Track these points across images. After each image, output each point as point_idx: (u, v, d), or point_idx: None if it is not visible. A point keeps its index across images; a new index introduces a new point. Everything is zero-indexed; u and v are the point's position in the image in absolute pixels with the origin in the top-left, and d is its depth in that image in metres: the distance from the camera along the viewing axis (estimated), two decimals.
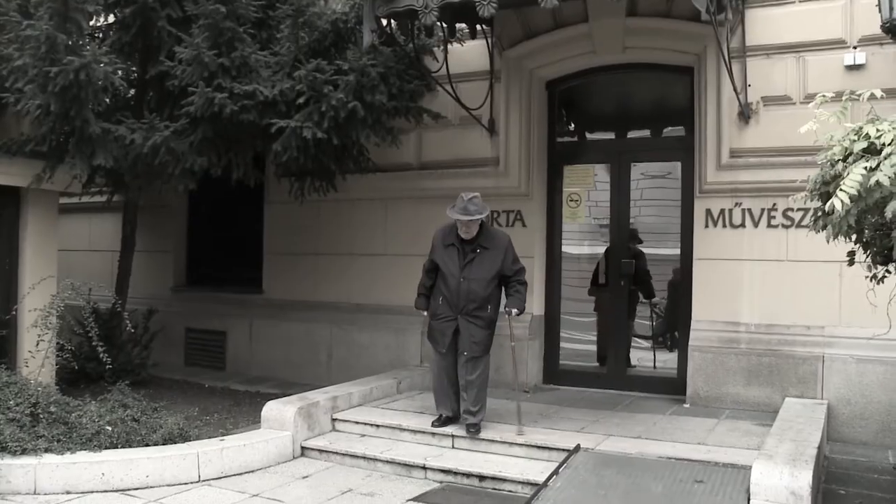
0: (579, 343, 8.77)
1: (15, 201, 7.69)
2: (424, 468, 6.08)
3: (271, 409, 6.74)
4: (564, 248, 8.65)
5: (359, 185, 8.81)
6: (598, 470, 5.54)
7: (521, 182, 8.40)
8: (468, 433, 6.35)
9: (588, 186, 8.59)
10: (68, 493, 5.59)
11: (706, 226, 7.49)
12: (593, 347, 8.67)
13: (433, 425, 6.59)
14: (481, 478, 5.81)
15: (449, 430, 6.50)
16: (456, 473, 5.92)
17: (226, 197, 9.93)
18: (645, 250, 8.34)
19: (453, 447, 6.36)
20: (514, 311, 6.40)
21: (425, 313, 6.72)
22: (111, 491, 5.65)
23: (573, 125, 9.08)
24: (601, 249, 8.56)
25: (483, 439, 6.31)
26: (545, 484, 5.33)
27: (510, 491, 5.67)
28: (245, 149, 7.61)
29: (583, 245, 8.84)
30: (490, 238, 6.46)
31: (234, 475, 6.06)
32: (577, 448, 5.90)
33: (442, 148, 8.84)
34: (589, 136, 9.03)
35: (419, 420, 6.83)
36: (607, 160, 8.48)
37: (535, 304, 8.37)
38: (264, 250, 10.08)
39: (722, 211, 7.41)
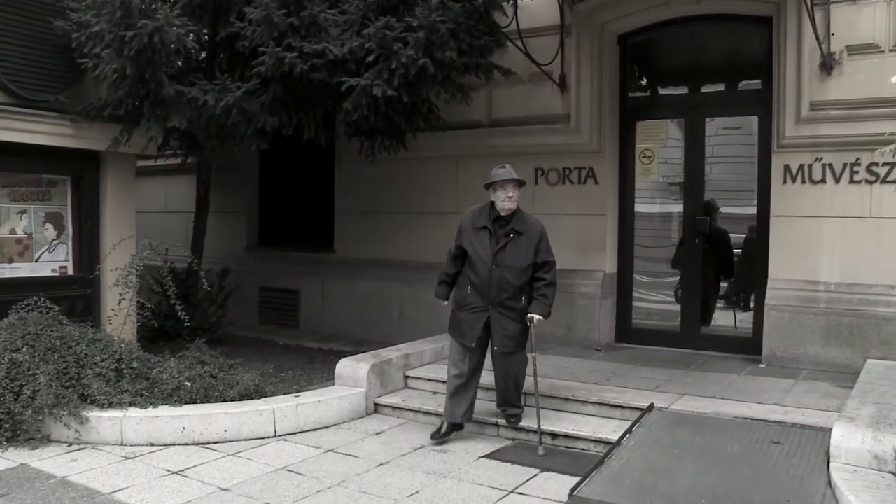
0: (652, 302, 8.65)
1: (95, 165, 7.91)
2: (496, 425, 6.11)
3: (345, 366, 6.84)
4: (637, 207, 8.51)
5: (429, 144, 8.78)
6: (671, 429, 5.48)
7: (593, 138, 8.26)
8: (508, 423, 6.05)
9: (661, 143, 8.41)
10: (152, 444, 5.80)
11: (784, 182, 7.27)
12: (666, 306, 8.54)
13: (432, 439, 5.96)
14: (553, 436, 5.81)
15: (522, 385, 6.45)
16: (528, 431, 5.93)
17: (296, 157, 10.03)
18: (720, 208, 8.16)
19: (526, 404, 6.37)
20: (537, 317, 5.70)
21: (445, 303, 6.17)
22: (191, 444, 5.83)
23: (645, 80, 8.85)
24: (674, 207, 8.39)
25: (556, 397, 6.29)
26: (618, 443, 5.29)
27: (583, 449, 5.67)
28: (315, 108, 7.64)
29: (654, 203, 8.69)
30: (525, 222, 5.82)
31: (309, 430, 6.19)
32: (651, 407, 5.84)
33: (512, 104, 8.74)
34: (661, 91, 8.81)
35: (491, 377, 6.83)
36: (680, 115, 8.28)
37: (608, 262, 8.32)
38: (335, 210, 10.16)
39: (801, 166, 7.17)
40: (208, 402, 6.17)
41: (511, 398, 6.04)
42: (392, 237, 9.59)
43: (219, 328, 8.99)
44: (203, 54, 8.01)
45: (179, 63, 7.25)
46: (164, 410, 5.94)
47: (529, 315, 5.68)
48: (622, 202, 8.47)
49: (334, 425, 6.37)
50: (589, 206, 8.31)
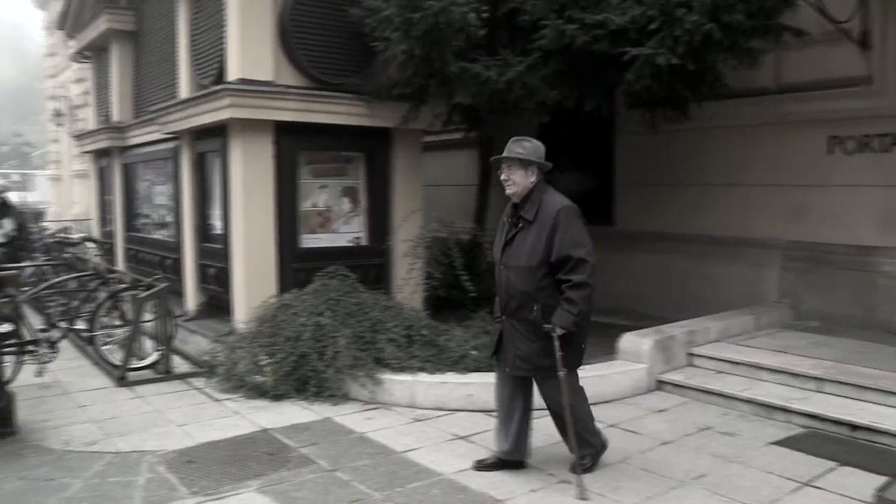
0: None
1: (385, 142, 8.37)
2: (787, 411, 5.76)
3: (628, 340, 6.75)
4: None
5: (712, 113, 8.35)
6: None
7: None
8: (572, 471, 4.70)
9: None
10: (439, 409, 6.08)
11: None
12: None
13: (474, 466, 4.95)
14: (853, 427, 5.37)
15: (815, 370, 5.99)
16: (822, 419, 5.53)
17: (574, 129, 9.97)
18: None
19: (819, 390, 5.92)
20: (558, 329, 4.38)
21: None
22: (476, 411, 6.04)
23: None
24: None
25: (852, 384, 5.79)
26: None
27: (887, 445, 5.17)
28: (596, 80, 7.53)
29: None
30: (536, 207, 4.55)
31: (591, 404, 6.14)
32: None
33: (803, 68, 8.12)
34: None
35: (780, 359, 6.45)
36: None
37: None
38: (615, 182, 10.01)
39: None
40: (492, 371, 6.31)
41: (568, 441, 4.73)
42: (673, 210, 9.29)
43: None
44: (483, 31, 8.16)
45: (461, 41, 7.45)
46: (452, 377, 6.20)
47: (547, 326, 4.43)
48: None
49: (615, 400, 6.33)
50: (894, 177, 7.51)
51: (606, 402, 6.25)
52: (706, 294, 8.64)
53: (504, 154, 4.62)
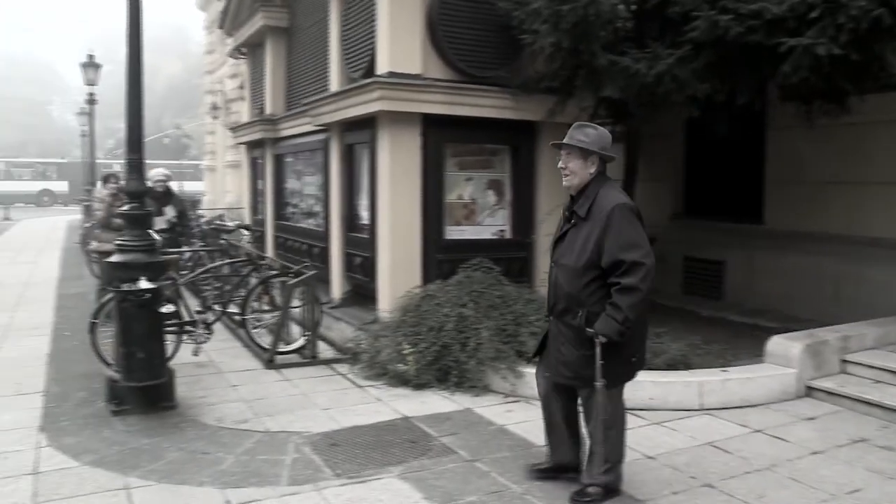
0: None
1: (530, 135, 8.37)
2: None
3: (776, 343, 6.51)
4: None
5: (874, 106, 7.88)
6: None
7: None
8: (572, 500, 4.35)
9: None
10: None
11: None
12: None
13: (531, 471, 4.72)
14: None
15: None
16: None
17: (723, 123, 9.66)
18: None
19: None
20: (601, 337, 4.00)
21: None
22: None
23: None
24: None
25: None
26: None
27: None
28: (749, 72, 7.27)
29: None
30: (589, 203, 4.14)
31: (735, 408, 6.01)
32: None
33: None
34: None
35: None
36: None
37: None
38: (765, 179, 9.64)
39: None
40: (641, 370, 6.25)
41: (589, 456, 4.41)
42: (828, 209, 8.84)
43: None
44: (631, 24, 8.03)
45: (610, 34, 7.35)
46: None
47: (589, 330, 4.05)
48: None
49: (761, 405, 6.12)
50: None
51: (751, 406, 6.06)
52: (863, 298, 8.20)
53: (565, 140, 4.25)
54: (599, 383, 4.05)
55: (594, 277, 4.06)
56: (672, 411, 5.90)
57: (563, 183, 4.32)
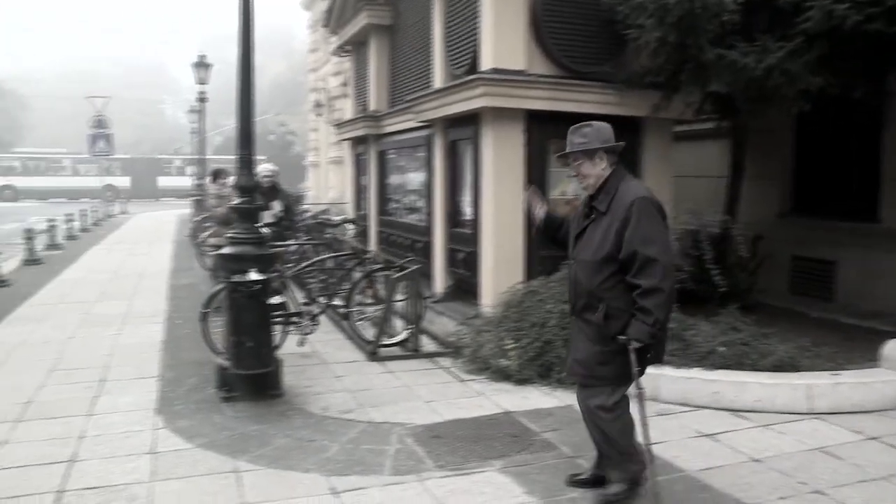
0: None
1: (634, 131, 8.28)
2: None
3: (893, 347, 6.25)
4: None
5: None
6: None
7: None
8: None
9: None
10: (684, 404, 5.97)
11: None
12: None
13: (567, 480, 4.59)
14: None
15: None
16: None
17: (834, 118, 9.33)
18: None
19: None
20: (634, 342, 3.87)
21: None
22: (721, 409, 5.87)
23: None
24: None
25: None
26: None
27: None
28: (866, 64, 7.01)
29: None
30: (610, 197, 4.05)
31: (846, 413, 5.81)
32: None
33: None
34: None
35: None
36: None
37: None
38: (882, 176, 9.25)
39: None
40: (741, 369, 6.12)
41: (601, 460, 4.41)
42: None
43: (749, 295, 8.81)
44: (739, 16, 7.84)
45: (717, 27, 7.19)
46: (697, 373, 6.05)
47: (622, 338, 3.92)
48: None
49: (875, 411, 5.88)
50: None
51: (864, 412, 5.84)
52: None
53: (567, 149, 4.20)
54: (638, 390, 3.99)
55: (613, 272, 3.98)
56: (779, 414, 5.75)
57: (580, 186, 4.30)
